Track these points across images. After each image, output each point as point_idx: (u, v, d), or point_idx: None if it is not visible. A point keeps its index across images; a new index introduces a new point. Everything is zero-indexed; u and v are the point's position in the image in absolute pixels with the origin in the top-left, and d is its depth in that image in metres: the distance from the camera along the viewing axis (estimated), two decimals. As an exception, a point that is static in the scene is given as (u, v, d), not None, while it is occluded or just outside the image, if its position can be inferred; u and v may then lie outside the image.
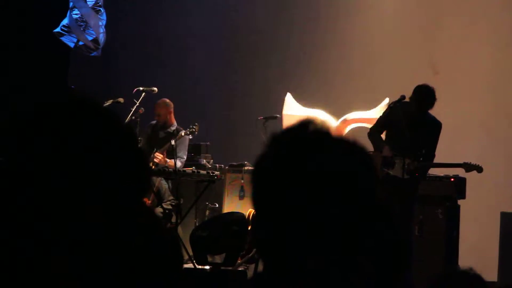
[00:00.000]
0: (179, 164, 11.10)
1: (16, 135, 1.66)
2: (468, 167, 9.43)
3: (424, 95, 9.12)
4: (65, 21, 12.21)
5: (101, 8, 12.35)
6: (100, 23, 12.29)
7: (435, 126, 9.32)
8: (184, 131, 11.11)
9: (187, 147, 11.47)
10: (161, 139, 11.32)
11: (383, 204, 1.70)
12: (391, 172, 9.21)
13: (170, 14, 14.04)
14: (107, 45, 12.49)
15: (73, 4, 12.20)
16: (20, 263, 1.59)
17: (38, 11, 12.19)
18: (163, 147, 10.98)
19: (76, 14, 12.21)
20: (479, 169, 9.42)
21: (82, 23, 12.23)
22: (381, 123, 9.52)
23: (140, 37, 14.01)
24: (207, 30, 13.93)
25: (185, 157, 11.40)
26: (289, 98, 11.90)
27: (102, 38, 12.33)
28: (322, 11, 13.43)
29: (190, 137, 11.39)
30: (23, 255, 1.60)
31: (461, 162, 9.49)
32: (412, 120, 9.18)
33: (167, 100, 11.51)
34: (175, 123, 11.52)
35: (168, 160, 10.89)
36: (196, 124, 11.08)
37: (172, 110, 11.50)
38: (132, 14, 14.01)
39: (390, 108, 9.39)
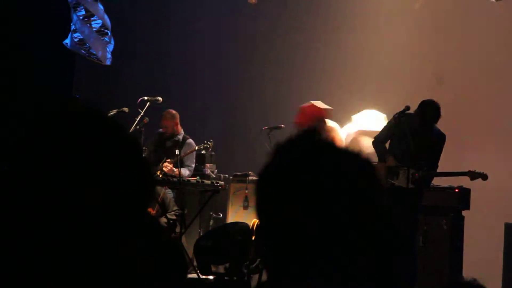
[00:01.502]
0: (187, 172, 11.14)
1: (20, 143, 1.67)
2: (473, 175, 9.41)
3: (429, 111, 9.08)
4: (67, 41, 12.24)
5: (106, 38, 12.37)
6: (107, 49, 12.32)
7: (440, 139, 9.30)
8: (198, 146, 11.19)
9: (194, 156, 11.50)
10: (168, 148, 11.35)
11: (387, 213, 1.71)
12: (395, 183, 9.20)
13: (176, 24, 14.07)
14: (112, 55, 12.51)
15: (75, 27, 12.21)
16: (21, 263, 1.60)
17: (44, 20, 12.22)
18: (174, 157, 10.99)
19: (76, 37, 12.24)
20: (484, 176, 9.40)
21: (84, 51, 12.27)
22: (385, 134, 9.51)
23: (145, 46, 14.03)
24: (212, 40, 13.95)
25: (193, 166, 11.44)
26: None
27: (108, 62, 12.38)
28: (327, 20, 13.44)
29: (203, 152, 11.48)
30: (24, 256, 1.60)
31: (466, 170, 9.48)
32: (416, 132, 9.16)
33: (173, 111, 11.53)
34: (182, 131, 11.55)
35: (175, 169, 10.91)
36: (211, 140, 11.13)
37: (178, 120, 11.53)
38: (138, 24, 14.03)
39: (395, 118, 9.37)
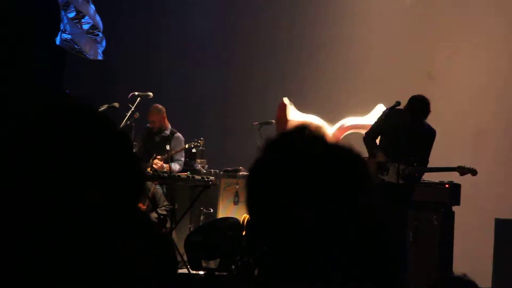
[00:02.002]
0: (177, 167, 11.14)
1: (10, 141, 1.66)
2: (462, 170, 9.42)
3: (419, 106, 9.09)
4: (56, 39, 12.20)
5: (97, 38, 12.34)
6: (99, 50, 12.30)
7: (430, 134, 9.31)
8: (188, 144, 11.20)
9: (183, 150, 11.49)
10: (157, 143, 11.34)
11: (379, 208, 1.71)
12: (385, 178, 9.20)
13: (167, 20, 14.05)
14: (103, 52, 12.50)
15: (64, 27, 12.16)
16: (17, 263, 1.59)
17: (34, 15, 12.18)
18: (164, 154, 10.98)
19: (65, 36, 12.19)
20: (473, 172, 9.41)
21: (76, 45, 12.24)
22: (376, 129, 9.52)
23: (136, 41, 14.01)
24: (204, 35, 13.94)
25: (182, 159, 11.43)
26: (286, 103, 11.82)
27: (100, 57, 12.37)
28: (319, 17, 13.44)
29: (194, 150, 11.49)
30: (20, 255, 1.60)
31: (455, 166, 9.49)
32: (407, 127, 9.17)
33: (159, 106, 11.51)
34: (169, 126, 11.54)
35: (165, 165, 10.91)
36: (202, 138, 11.14)
37: (165, 114, 11.51)
38: (129, 20, 14.00)
39: (385, 114, 9.38)
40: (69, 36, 12.18)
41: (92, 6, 12.30)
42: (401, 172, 9.14)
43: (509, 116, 12.13)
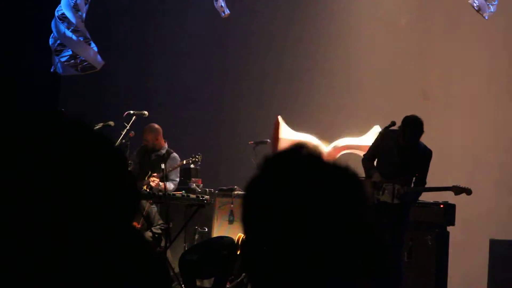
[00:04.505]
0: (172, 186, 11.13)
1: (3, 157, 1.65)
2: (457, 190, 9.41)
3: (411, 126, 9.10)
4: (56, 69, 12.12)
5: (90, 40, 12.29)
6: (91, 50, 12.23)
7: (426, 154, 9.31)
8: (186, 160, 11.20)
9: (179, 170, 11.49)
10: (153, 161, 11.33)
11: (373, 228, 1.70)
12: (380, 198, 9.20)
13: (161, 39, 14.06)
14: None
15: (54, 68, 12.06)
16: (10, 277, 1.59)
17: (28, 31, 12.19)
18: (159, 171, 10.97)
19: (64, 57, 12.10)
20: (468, 191, 9.39)
21: (73, 61, 12.16)
22: (372, 150, 9.54)
23: (130, 61, 14.02)
24: (197, 54, 13.96)
25: (177, 180, 11.42)
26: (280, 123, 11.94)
27: (100, 60, 12.30)
28: (313, 36, 13.47)
29: (192, 166, 11.49)
30: (13, 268, 1.59)
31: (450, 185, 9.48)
32: (401, 148, 9.19)
33: (155, 125, 11.50)
34: (165, 145, 11.53)
35: (161, 184, 10.90)
36: (199, 154, 11.14)
37: (160, 134, 11.50)
38: (123, 38, 14.02)
39: (381, 134, 9.40)
40: (66, 56, 12.10)
41: (93, 47, 12.15)
42: (396, 192, 9.15)
43: (504, 136, 12.14)
